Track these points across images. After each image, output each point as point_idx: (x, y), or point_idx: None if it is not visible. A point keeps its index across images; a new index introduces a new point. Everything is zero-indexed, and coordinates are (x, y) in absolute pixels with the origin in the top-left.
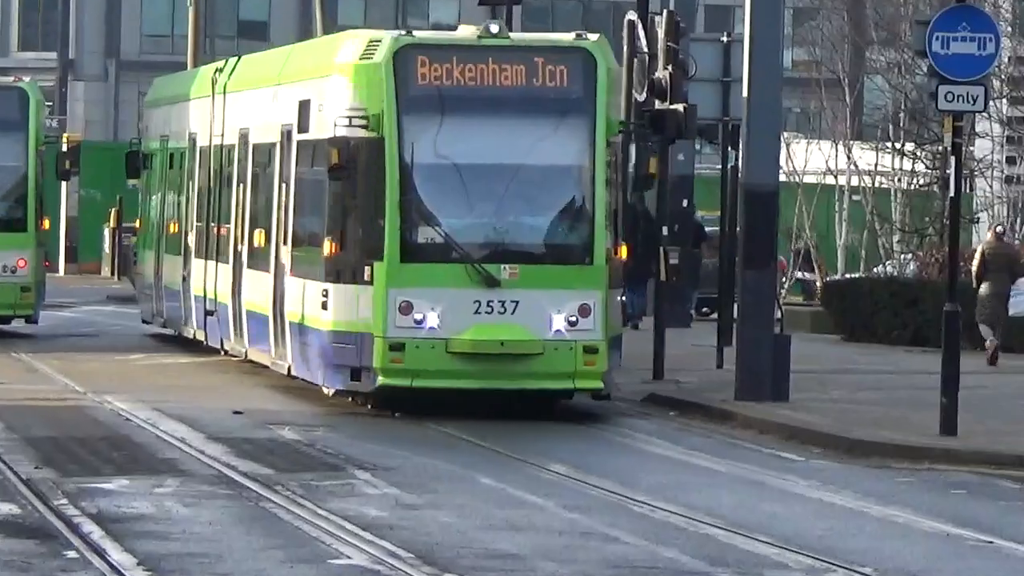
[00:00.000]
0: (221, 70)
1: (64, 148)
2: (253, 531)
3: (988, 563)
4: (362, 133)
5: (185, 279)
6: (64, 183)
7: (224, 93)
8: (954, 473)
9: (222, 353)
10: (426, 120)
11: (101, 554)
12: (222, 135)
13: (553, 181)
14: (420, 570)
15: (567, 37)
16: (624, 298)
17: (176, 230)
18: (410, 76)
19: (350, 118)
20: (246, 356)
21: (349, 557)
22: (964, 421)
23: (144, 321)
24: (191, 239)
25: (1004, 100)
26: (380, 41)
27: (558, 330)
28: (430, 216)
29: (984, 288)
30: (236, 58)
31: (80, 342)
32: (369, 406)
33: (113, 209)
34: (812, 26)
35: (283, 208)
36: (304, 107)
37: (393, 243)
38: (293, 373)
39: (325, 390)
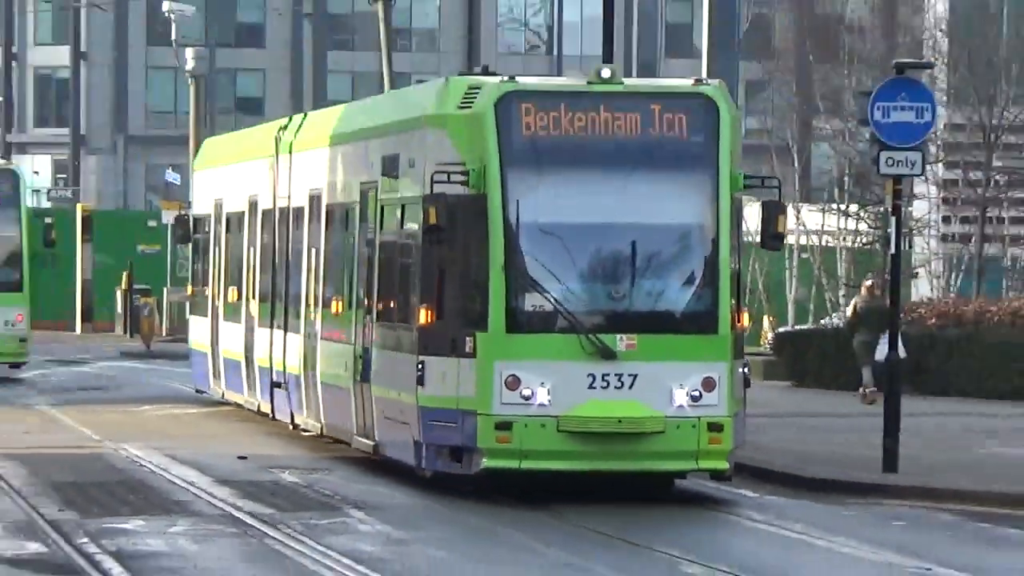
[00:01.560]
0: (285, 128)
1: (79, 216)
2: (257, 566)
3: None
4: (461, 190)
5: (248, 349)
6: (80, 249)
7: (290, 152)
8: (896, 507)
9: (291, 427)
10: (533, 175)
11: None
12: (288, 196)
13: (673, 242)
14: None
15: (685, 82)
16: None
17: (236, 298)
18: (514, 126)
19: (448, 173)
20: (322, 432)
21: None
22: (903, 458)
23: (198, 390)
24: (253, 307)
25: (940, 164)
26: (480, 88)
27: (680, 405)
28: (539, 281)
29: (858, 337)
30: (302, 115)
31: (96, 395)
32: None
33: (125, 272)
34: (763, 98)
35: (364, 274)
36: (390, 163)
37: (498, 311)
38: (383, 453)
39: (422, 472)
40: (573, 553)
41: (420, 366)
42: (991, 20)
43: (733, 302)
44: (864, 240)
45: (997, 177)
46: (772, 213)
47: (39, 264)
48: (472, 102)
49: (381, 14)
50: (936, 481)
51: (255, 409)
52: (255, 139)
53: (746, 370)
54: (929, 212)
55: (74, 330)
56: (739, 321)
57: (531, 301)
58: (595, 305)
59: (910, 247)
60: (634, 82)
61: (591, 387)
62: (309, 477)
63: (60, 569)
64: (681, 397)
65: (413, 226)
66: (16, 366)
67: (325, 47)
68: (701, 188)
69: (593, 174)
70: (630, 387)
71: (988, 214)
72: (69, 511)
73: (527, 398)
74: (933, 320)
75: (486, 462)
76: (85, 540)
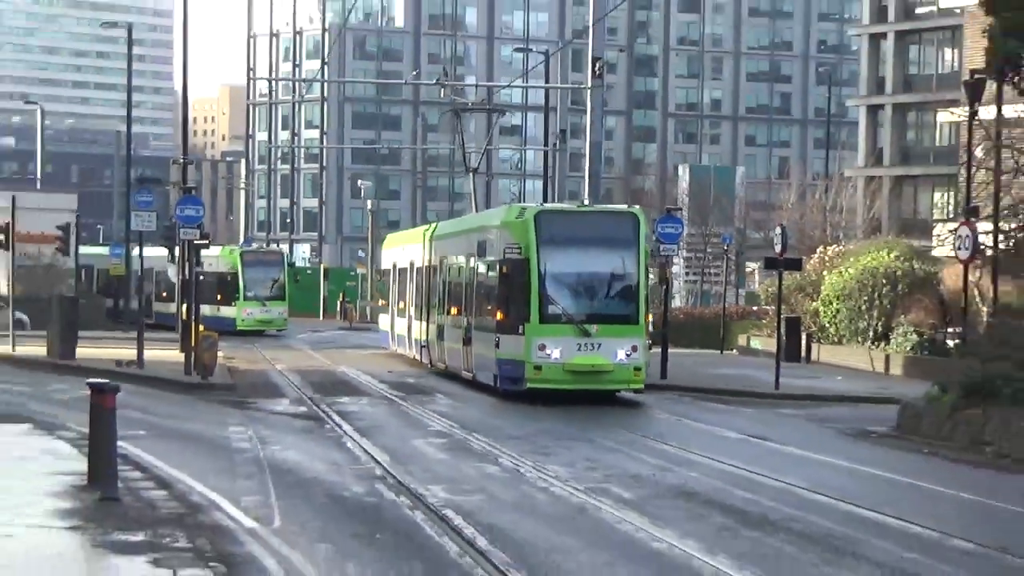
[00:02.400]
0: (427, 230)
1: (322, 269)
2: (395, 416)
3: (754, 450)
4: (518, 256)
5: (409, 329)
6: (321, 284)
7: (431, 240)
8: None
9: (428, 365)
10: (550, 248)
11: (339, 425)
12: (429, 260)
13: (617, 281)
14: (469, 434)
15: (623, 207)
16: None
17: (403, 306)
18: (543, 227)
19: (512, 248)
20: (445, 369)
21: (432, 425)
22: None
23: (381, 347)
24: (412, 310)
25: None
26: (525, 209)
27: (621, 359)
28: (554, 300)
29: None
30: (435, 224)
31: (328, 345)
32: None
33: (341, 292)
34: None
35: (468, 295)
36: (480, 244)
37: (535, 314)
38: (476, 379)
39: (495, 386)
40: (555, 420)
41: (497, 339)
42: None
43: (644, 309)
44: None
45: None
46: (661, 271)
47: (293, 285)
48: (522, 215)
49: (472, 185)
50: (691, 383)
51: (411, 357)
52: (412, 234)
53: (649, 342)
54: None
55: (318, 318)
56: (647, 318)
57: (551, 310)
58: (580, 311)
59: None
60: (599, 206)
61: (579, 350)
62: (421, 382)
63: (312, 417)
64: (621, 355)
65: (493, 273)
66: (281, 332)
67: (426, 198)
68: (630, 256)
69: (580, 249)
70: (597, 350)
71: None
72: (316, 394)
73: (548, 355)
74: (682, 316)
75: (528, 384)
76: (324, 406)
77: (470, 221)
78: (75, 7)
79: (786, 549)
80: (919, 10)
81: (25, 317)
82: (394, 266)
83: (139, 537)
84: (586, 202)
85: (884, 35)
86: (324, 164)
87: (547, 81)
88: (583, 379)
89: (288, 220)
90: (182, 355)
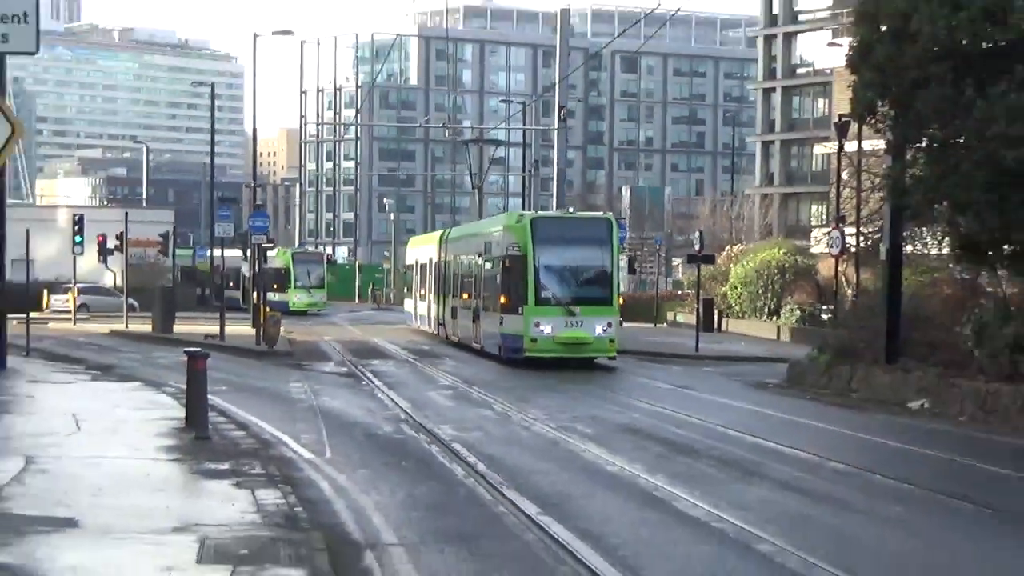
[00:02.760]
0: (442, 234)
1: (357, 266)
2: (415, 375)
3: (682, 397)
4: (518, 253)
5: (429, 308)
6: (356, 277)
7: (446, 242)
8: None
9: (444, 338)
10: (544, 247)
11: (372, 381)
12: (443, 256)
13: (597, 272)
14: (470, 387)
15: (599, 213)
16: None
17: (423, 293)
18: (537, 229)
19: (514, 246)
20: (459, 341)
21: (443, 382)
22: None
23: (406, 324)
24: (431, 295)
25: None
26: (523, 215)
27: (599, 333)
28: (547, 288)
29: None
30: (448, 229)
31: (363, 321)
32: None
33: (371, 282)
34: None
35: (477, 284)
36: (486, 244)
37: (531, 298)
38: (483, 350)
39: (499, 355)
40: (537, 378)
41: (501, 319)
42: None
43: (616, 293)
44: None
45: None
46: (631, 263)
47: (332, 277)
48: (521, 220)
49: (478, 199)
50: (635, 348)
51: (430, 332)
52: (430, 237)
53: (620, 319)
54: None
55: (354, 302)
56: (619, 301)
57: (543, 295)
58: (567, 296)
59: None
60: (581, 213)
61: (566, 326)
62: (436, 350)
63: (352, 375)
64: (599, 330)
65: (497, 266)
66: (322, 312)
67: (434, 212)
68: (606, 252)
69: (566, 247)
70: (580, 326)
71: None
72: (354, 357)
73: (542, 330)
74: (623, 299)
75: (527, 353)
76: (360, 368)
77: (477, 226)
78: (172, 71)
79: (708, 471)
80: (799, 71)
81: (135, 302)
82: (416, 262)
83: (225, 466)
84: (571, 210)
85: (774, 89)
86: (358, 187)
87: (524, 124)
88: (569, 349)
89: (331, 228)
90: (253, 330)
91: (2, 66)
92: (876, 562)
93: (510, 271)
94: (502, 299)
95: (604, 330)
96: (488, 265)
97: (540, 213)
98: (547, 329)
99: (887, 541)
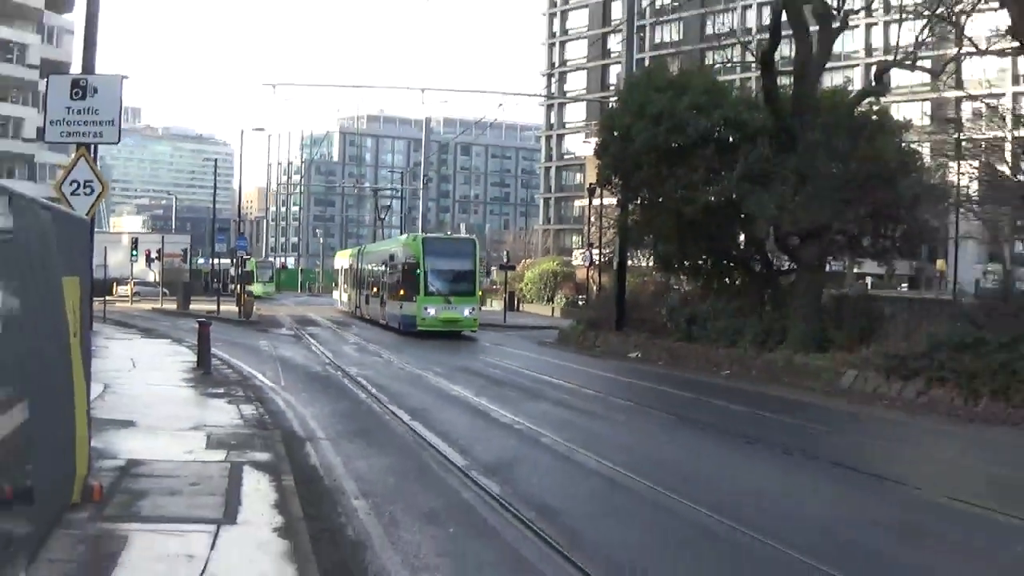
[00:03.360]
0: (358, 248)
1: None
2: (336, 337)
3: (497, 350)
4: (414, 261)
5: (348, 297)
6: (299, 276)
7: (360, 255)
8: (511, 332)
9: (360, 315)
10: (432, 257)
11: (309, 340)
12: (358, 265)
13: (466, 273)
14: (368, 343)
15: (467, 235)
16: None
17: (345, 286)
18: (427, 245)
19: (410, 257)
20: (368, 318)
21: (353, 341)
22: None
23: (334, 306)
24: (350, 288)
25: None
26: (417, 236)
27: (467, 314)
28: (432, 284)
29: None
30: (363, 245)
31: (303, 304)
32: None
33: (308, 279)
34: None
35: (382, 282)
36: (391, 256)
37: (422, 291)
38: (386, 324)
39: (398, 329)
40: (415, 342)
41: (400, 304)
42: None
43: (477, 287)
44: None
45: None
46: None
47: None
48: (415, 239)
49: (378, 217)
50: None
51: (348, 311)
52: (351, 251)
53: (479, 306)
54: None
55: (298, 292)
56: (479, 293)
57: (431, 288)
58: (446, 290)
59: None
60: (455, 235)
61: (445, 310)
62: (351, 322)
63: (296, 336)
64: (467, 312)
65: (398, 270)
66: (274, 297)
67: (347, 237)
68: (471, 260)
69: (448, 257)
70: (454, 309)
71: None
72: (298, 325)
73: (430, 313)
74: (480, 292)
75: (418, 327)
76: (301, 331)
77: (384, 243)
78: (192, 152)
79: (511, 394)
80: (566, 156)
81: (166, 291)
82: (341, 267)
83: (221, 390)
84: (448, 232)
85: (551, 167)
86: (300, 222)
87: (402, 185)
88: (447, 325)
89: (284, 247)
90: (236, 308)
91: (97, 150)
92: (611, 448)
93: (407, 272)
94: (402, 291)
95: (470, 312)
96: (391, 269)
97: (428, 235)
98: (432, 311)
99: (617, 435)
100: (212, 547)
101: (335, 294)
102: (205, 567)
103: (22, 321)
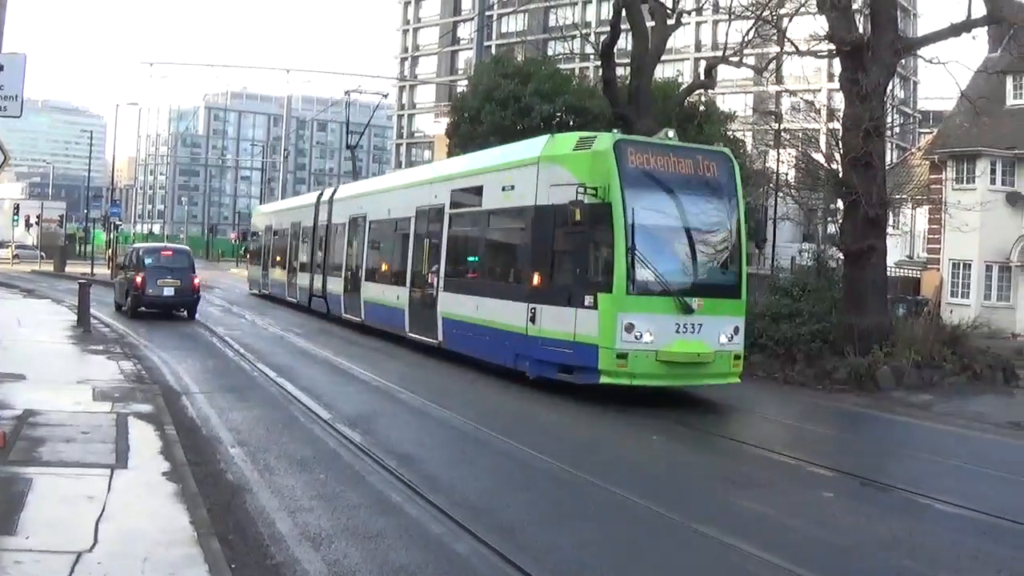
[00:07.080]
0: (321, 195)
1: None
2: (298, 316)
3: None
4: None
5: (292, 282)
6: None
7: (329, 202)
8: None
9: (328, 317)
10: (640, 193)
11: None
12: (320, 223)
13: (718, 241)
14: (232, 306)
15: (711, 146)
16: None
17: (286, 261)
18: (625, 160)
19: (581, 190)
20: (363, 323)
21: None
22: None
23: (252, 292)
24: (303, 266)
25: None
26: (595, 138)
27: (722, 344)
28: (648, 262)
29: None
30: (334, 187)
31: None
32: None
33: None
34: None
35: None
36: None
37: (621, 280)
38: (445, 348)
39: (528, 375)
40: (281, 306)
41: (533, 312)
42: None
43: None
44: None
45: None
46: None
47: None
48: (590, 146)
49: (352, 165)
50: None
51: (294, 302)
52: (303, 200)
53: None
54: None
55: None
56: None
57: (641, 275)
58: (680, 279)
59: None
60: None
61: (678, 332)
62: (258, 301)
63: (231, 310)
64: (723, 339)
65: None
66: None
67: (211, 207)
68: (728, 208)
69: (672, 195)
70: (698, 332)
71: None
72: (240, 309)
73: (638, 338)
74: None
75: (604, 379)
76: (241, 315)
77: (402, 174)
78: (68, 124)
79: (369, 354)
80: (416, 135)
81: (43, 254)
82: (270, 227)
83: (100, 347)
84: (672, 132)
85: (402, 144)
86: (167, 190)
87: (263, 159)
88: (681, 372)
89: (151, 213)
90: (108, 270)
91: None
92: (446, 397)
93: (577, 234)
94: (535, 279)
95: (729, 338)
96: (454, 224)
97: (624, 136)
98: (647, 336)
99: (453, 389)
100: (108, 489)
101: (250, 271)
102: (104, 506)
103: None
